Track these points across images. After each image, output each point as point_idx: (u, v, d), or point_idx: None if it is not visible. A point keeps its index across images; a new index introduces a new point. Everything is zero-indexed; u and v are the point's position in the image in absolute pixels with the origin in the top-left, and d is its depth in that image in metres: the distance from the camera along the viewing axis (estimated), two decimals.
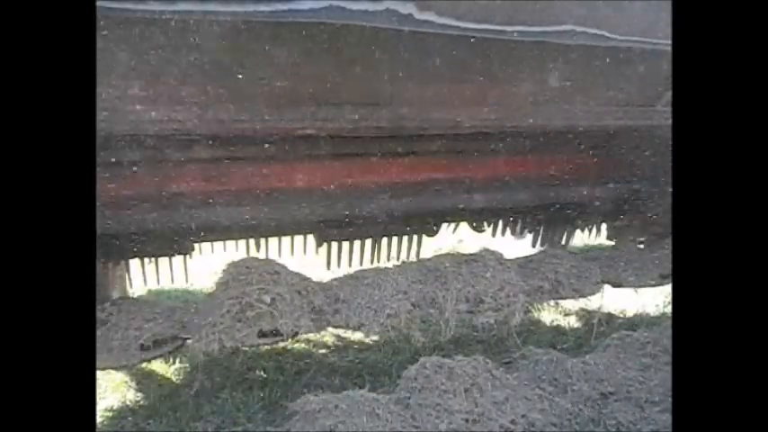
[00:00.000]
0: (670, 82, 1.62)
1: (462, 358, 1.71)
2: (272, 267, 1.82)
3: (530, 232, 2.67)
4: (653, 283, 2.27)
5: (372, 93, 1.52)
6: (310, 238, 2.24)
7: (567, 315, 2.76)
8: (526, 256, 2.27)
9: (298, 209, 1.90)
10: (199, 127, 1.41)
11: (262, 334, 1.66)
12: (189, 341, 1.70)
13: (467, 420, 1.51)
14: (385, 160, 2.03)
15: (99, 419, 1.85)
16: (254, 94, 1.41)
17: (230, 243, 2.15)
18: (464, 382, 1.61)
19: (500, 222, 2.53)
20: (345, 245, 2.25)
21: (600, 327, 2.38)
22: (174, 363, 2.21)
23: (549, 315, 2.75)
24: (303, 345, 2.40)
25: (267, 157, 1.85)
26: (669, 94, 1.85)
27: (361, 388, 1.68)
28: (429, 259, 2.11)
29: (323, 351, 2.37)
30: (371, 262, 2.30)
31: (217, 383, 2.03)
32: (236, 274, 1.77)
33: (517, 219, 2.54)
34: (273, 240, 2.23)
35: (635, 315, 2.72)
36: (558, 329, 2.58)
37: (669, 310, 2.70)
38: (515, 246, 2.82)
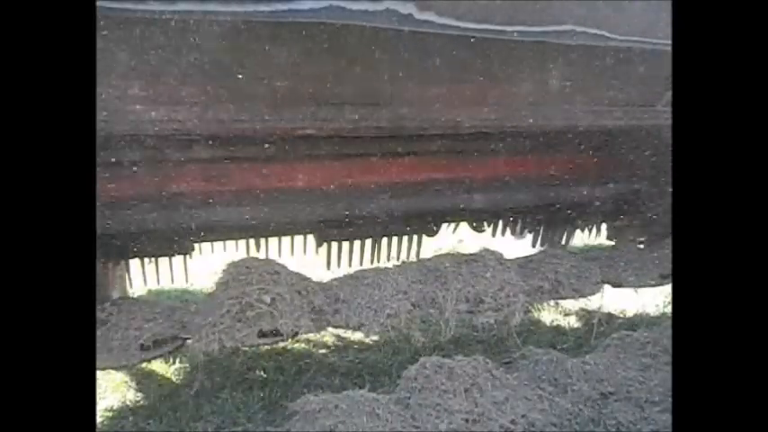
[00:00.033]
0: (670, 82, 1.62)
1: (462, 358, 1.71)
2: (272, 267, 1.82)
3: (530, 232, 2.67)
4: (653, 283, 2.27)
5: (372, 93, 1.52)
6: (310, 238, 2.24)
7: (567, 315, 2.76)
8: (526, 256, 2.27)
9: (298, 209, 1.90)
10: (199, 127, 1.41)
11: (262, 334, 1.66)
12: (189, 341, 1.70)
13: (467, 420, 1.51)
14: (385, 160, 2.02)
15: (99, 419, 1.85)
16: (254, 94, 1.41)
17: (230, 243, 2.15)
18: (464, 382, 1.61)
19: (500, 222, 2.53)
20: (345, 245, 2.25)
21: (600, 327, 2.38)
22: (174, 363, 2.21)
23: (549, 315, 2.75)
24: (303, 345, 2.40)
25: (267, 157, 1.85)
26: (669, 94, 1.85)
27: (361, 388, 1.68)
28: (429, 259, 2.11)
29: (323, 351, 2.37)
30: (371, 262, 2.30)
31: (217, 383, 2.03)
32: (236, 274, 1.77)
33: (517, 219, 2.54)
34: (273, 240, 2.23)
35: (635, 315, 2.72)
36: (558, 329, 2.58)
37: (669, 310, 2.70)
38: (515, 246, 2.82)
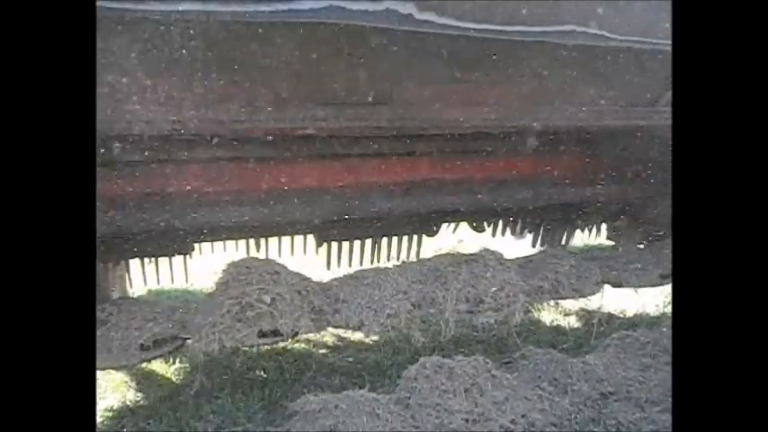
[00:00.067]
0: (670, 82, 1.62)
1: (462, 358, 1.71)
2: (272, 267, 1.82)
3: (530, 232, 2.67)
4: (653, 283, 2.27)
5: (372, 93, 1.52)
6: (310, 238, 2.24)
7: (567, 315, 2.76)
8: (526, 256, 2.27)
9: (298, 209, 1.90)
10: (199, 127, 1.41)
11: (262, 334, 1.66)
12: (189, 341, 1.70)
13: (467, 420, 1.52)
14: (385, 160, 2.03)
15: (99, 419, 1.85)
16: (255, 94, 1.41)
17: (230, 243, 2.15)
18: (464, 382, 1.61)
19: (500, 222, 2.53)
20: (345, 245, 2.26)
21: (600, 327, 2.38)
22: (174, 363, 2.21)
23: (549, 315, 2.75)
24: (303, 345, 2.40)
25: (267, 157, 1.85)
26: (669, 94, 1.85)
27: (361, 388, 1.68)
28: (429, 259, 2.11)
29: (323, 351, 2.37)
30: (371, 262, 2.30)
31: (217, 383, 2.03)
32: (236, 274, 1.77)
33: (517, 219, 2.54)
34: (273, 240, 2.23)
35: (635, 315, 2.72)
36: (558, 329, 2.58)
37: (669, 310, 2.70)
38: (515, 246, 2.82)
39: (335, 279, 1.99)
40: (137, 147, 1.61)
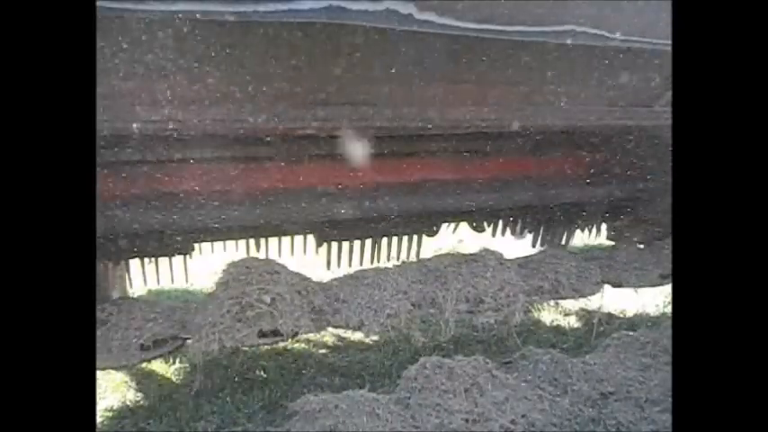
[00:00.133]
0: (670, 82, 1.62)
1: (462, 358, 1.71)
2: (272, 267, 1.82)
3: (530, 232, 2.67)
4: (653, 283, 2.27)
5: (372, 93, 1.52)
6: (310, 238, 2.24)
7: (567, 315, 2.76)
8: (526, 256, 2.27)
9: (298, 209, 1.90)
10: (199, 127, 1.41)
11: (262, 334, 1.66)
12: (189, 341, 1.71)
13: (467, 420, 1.52)
14: (385, 160, 2.03)
15: (99, 419, 1.85)
16: (255, 94, 1.40)
17: (230, 243, 2.15)
18: (464, 382, 1.61)
19: (500, 222, 2.53)
20: (345, 245, 2.25)
21: (600, 327, 2.38)
22: (174, 363, 2.21)
23: (549, 315, 2.75)
24: (303, 345, 2.40)
25: (267, 157, 1.85)
26: (669, 94, 1.85)
27: (361, 388, 1.68)
28: (429, 259, 2.11)
29: (323, 351, 2.37)
30: (371, 262, 2.30)
31: (217, 383, 2.03)
32: (236, 274, 1.77)
33: (517, 219, 2.54)
34: (273, 240, 2.23)
35: (635, 315, 2.72)
36: (558, 329, 2.58)
37: (669, 310, 2.70)
38: (515, 246, 2.82)
39: (335, 279, 1.99)
40: (137, 147, 1.62)
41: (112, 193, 1.71)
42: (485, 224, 2.52)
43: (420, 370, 1.66)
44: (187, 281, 2.26)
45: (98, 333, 1.67)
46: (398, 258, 2.35)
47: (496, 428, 1.50)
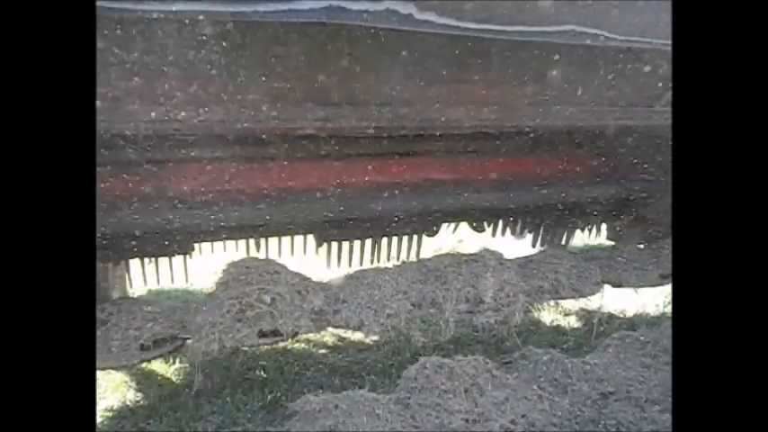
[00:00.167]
0: (670, 82, 1.62)
1: (462, 358, 1.71)
2: (272, 267, 1.82)
3: (530, 232, 2.67)
4: (653, 283, 2.27)
5: (372, 93, 1.52)
6: (310, 238, 2.24)
7: (567, 315, 2.76)
8: (526, 256, 2.27)
9: (298, 209, 1.90)
10: (199, 127, 1.41)
11: (262, 334, 1.66)
12: (189, 341, 1.71)
13: (467, 420, 1.52)
14: (385, 160, 2.02)
15: (99, 419, 1.85)
16: (254, 94, 1.40)
17: (230, 243, 2.15)
18: (464, 382, 1.61)
19: (500, 222, 2.53)
20: (345, 245, 2.25)
21: (600, 327, 2.38)
22: (174, 363, 2.21)
23: (549, 315, 2.75)
24: (303, 345, 2.40)
25: (267, 157, 1.85)
26: (669, 94, 1.85)
27: (361, 388, 1.68)
28: (429, 259, 2.11)
29: (323, 351, 2.37)
30: (371, 262, 2.30)
31: (217, 383, 2.03)
32: (236, 274, 1.77)
33: (517, 219, 2.54)
34: (273, 240, 2.23)
35: (635, 315, 2.72)
36: (558, 329, 2.58)
37: (669, 310, 2.70)
38: (515, 246, 2.82)
39: (335, 279, 1.99)
40: (137, 147, 1.61)
41: (113, 193, 1.71)
42: (485, 224, 2.52)
43: (420, 370, 1.66)
44: (187, 281, 2.25)
45: (98, 333, 1.67)
46: (398, 258, 2.35)
47: (496, 428, 1.50)
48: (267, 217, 1.87)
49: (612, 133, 2.07)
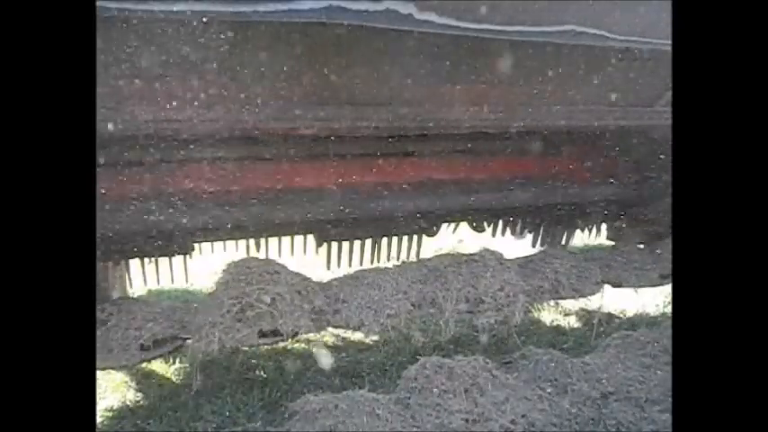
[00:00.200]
0: (670, 82, 1.62)
1: (462, 358, 1.71)
2: (272, 267, 1.82)
3: (530, 232, 2.67)
4: (653, 283, 2.27)
5: (372, 93, 1.52)
6: (310, 238, 2.24)
7: (567, 315, 2.76)
8: (526, 256, 2.27)
9: (298, 209, 1.90)
10: (199, 127, 1.41)
11: (262, 334, 1.66)
12: (189, 341, 1.71)
13: (467, 420, 1.51)
14: (385, 160, 2.03)
15: (99, 419, 1.85)
16: (255, 94, 1.41)
17: (230, 243, 2.15)
18: (464, 382, 1.61)
19: (500, 222, 2.53)
20: (345, 245, 2.25)
21: (600, 327, 2.38)
22: (174, 363, 2.21)
23: (549, 315, 2.75)
24: (303, 345, 2.40)
25: (267, 157, 1.85)
26: (669, 94, 1.85)
27: (361, 388, 1.68)
28: (429, 259, 2.11)
29: (323, 351, 2.37)
30: (371, 262, 2.30)
31: (217, 383, 2.03)
32: (236, 274, 1.77)
33: (517, 219, 2.54)
34: (273, 240, 2.23)
35: (635, 315, 2.72)
36: (558, 329, 2.58)
37: (669, 310, 2.70)
38: (515, 246, 2.82)
39: (335, 279, 1.99)
40: (137, 147, 1.61)
41: (113, 193, 1.71)
42: (485, 224, 2.52)
43: (420, 370, 1.66)
44: (187, 281, 2.25)
45: (98, 333, 1.67)
46: (398, 258, 2.35)
47: (496, 428, 1.50)
48: (267, 217, 1.88)
49: (612, 133, 2.07)
